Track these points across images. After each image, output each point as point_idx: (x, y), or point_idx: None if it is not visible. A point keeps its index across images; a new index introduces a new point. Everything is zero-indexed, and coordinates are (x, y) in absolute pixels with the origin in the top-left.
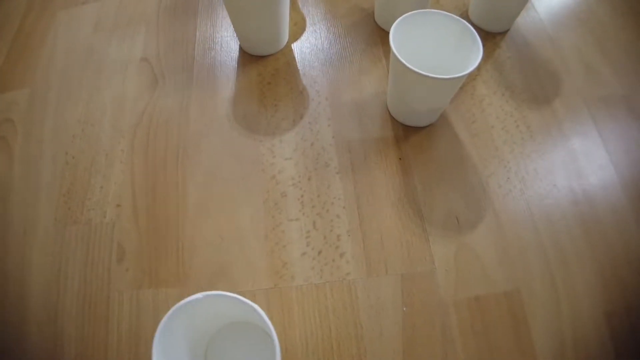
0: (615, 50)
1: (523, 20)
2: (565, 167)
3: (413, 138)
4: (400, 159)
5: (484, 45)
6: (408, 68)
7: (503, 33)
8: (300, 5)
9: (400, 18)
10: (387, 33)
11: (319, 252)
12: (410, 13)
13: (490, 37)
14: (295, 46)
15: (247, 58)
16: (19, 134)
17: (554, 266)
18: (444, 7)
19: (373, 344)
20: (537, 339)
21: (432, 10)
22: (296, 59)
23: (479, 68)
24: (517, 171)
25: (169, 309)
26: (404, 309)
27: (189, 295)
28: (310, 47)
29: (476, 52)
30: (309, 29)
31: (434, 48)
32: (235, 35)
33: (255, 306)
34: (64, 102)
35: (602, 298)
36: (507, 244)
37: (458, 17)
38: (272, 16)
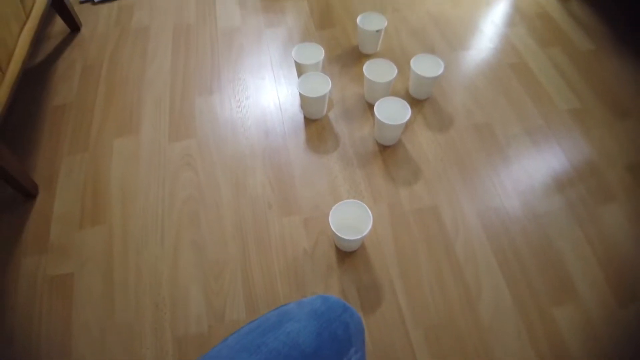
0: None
1: (437, 90)
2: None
3: (388, 150)
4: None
5: (413, 107)
6: (381, 121)
7: (425, 100)
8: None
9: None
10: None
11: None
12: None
13: (418, 102)
14: (331, 114)
15: (307, 121)
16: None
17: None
18: (397, 92)
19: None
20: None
21: (391, 97)
22: (333, 121)
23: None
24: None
25: None
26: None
27: None
28: (341, 112)
29: (406, 114)
30: (337, 104)
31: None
32: (300, 108)
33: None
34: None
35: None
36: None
37: (401, 99)
38: (321, 103)
